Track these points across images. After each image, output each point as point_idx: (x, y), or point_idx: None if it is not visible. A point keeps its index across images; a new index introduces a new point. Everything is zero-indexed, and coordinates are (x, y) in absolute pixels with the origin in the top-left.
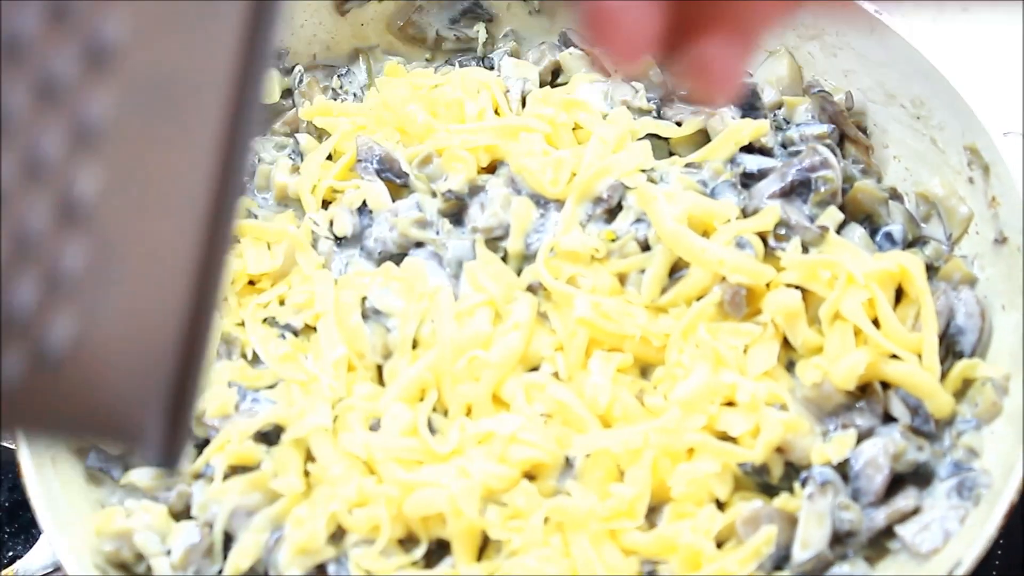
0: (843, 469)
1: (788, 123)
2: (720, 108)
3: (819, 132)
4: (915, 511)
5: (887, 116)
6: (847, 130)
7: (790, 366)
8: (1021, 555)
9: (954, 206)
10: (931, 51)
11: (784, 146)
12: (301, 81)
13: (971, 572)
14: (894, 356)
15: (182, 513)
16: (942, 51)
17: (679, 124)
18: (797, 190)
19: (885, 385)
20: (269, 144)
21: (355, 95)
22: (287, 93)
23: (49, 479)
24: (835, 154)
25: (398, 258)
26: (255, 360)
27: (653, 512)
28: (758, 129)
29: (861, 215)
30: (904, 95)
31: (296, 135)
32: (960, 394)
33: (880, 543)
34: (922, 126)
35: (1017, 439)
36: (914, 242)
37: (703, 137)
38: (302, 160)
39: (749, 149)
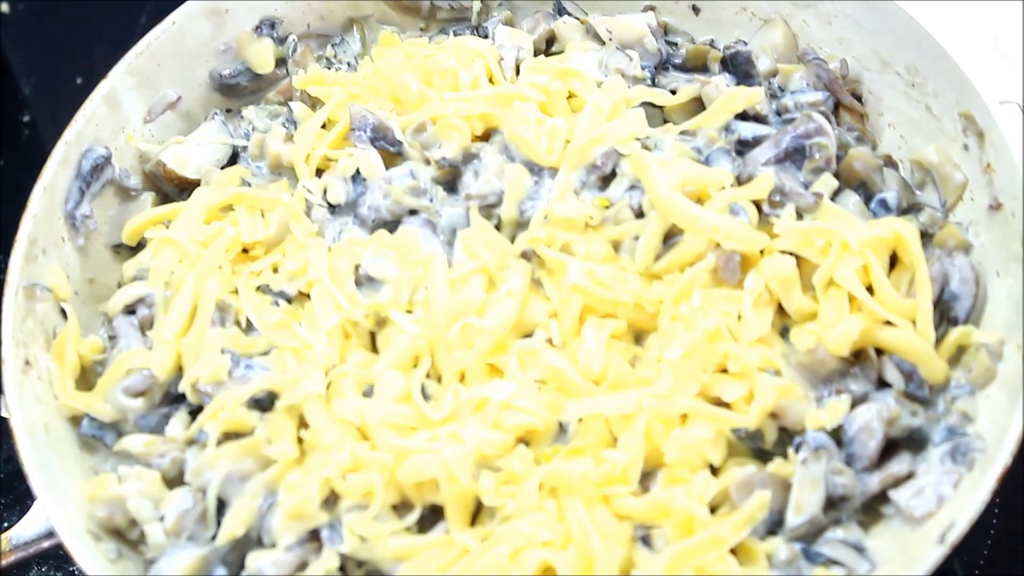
0: (837, 434)
1: (783, 91)
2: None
3: (814, 100)
4: (909, 476)
5: (882, 84)
6: (842, 98)
7: (784, 332)
8: (1018, 523)
9: (949, 173)
10: (927, 19)
11: (779, 114)
12: (295, 50)
13: (966, 537)
14: (888, 322)
15: (175, 480)
16: (938, 20)
17: (674, 92)
18: (792, 157)
19: (879, 351)
20: (263, 113)
21: (349, 64)
22: (281, 62)
23: (42, 446)
24: (830, 121)
25: (392, 226)
26: (249, 328)
27: (647, 477)
28: (752, 96)
29: (855, 182)
30: (899, 63)
31: (290, 103)
32: (954, 360)
33: (874, 508)
34: (917, 93)
35: (1011, 404)
36: (909, 209)
37: (698, 105)
38: (296, 128)
39: (744, 117)
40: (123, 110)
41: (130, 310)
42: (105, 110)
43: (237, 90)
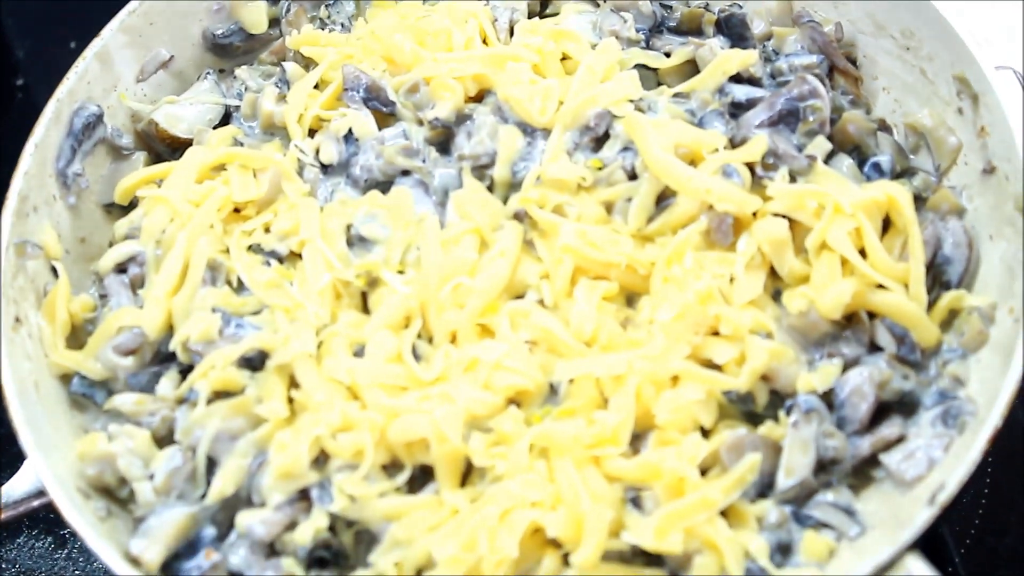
0: (828, 397)
1: (777, 54)
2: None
3: (808, 63)
4: (900, 439)
5: (876, 47)
6: (836, 61)
7: (776, 295)
8: (1007, 494)
9: (943, 137)
10: None
11: (773, 76)
12: (288, 11)
13: (957, 507)
14: (881, 286)
15: (165, 438)
16: None
17: (668, 55)
18: (785, 120)
19: (871, 315)
20: (256, 73)
21: (343, 25)
22: (274, 22)
23: (32, 403)
24: (824, 85)
25: (384, 186)
26: (240, 287)
27: (637, 439)
28: (746, 59)
29: (849, 146)
30: (894, 26)
31: (283, 64)
32: (946, 324)
33: (865, 471)
34: (912, 57)
35: (1003, 366)
36: (902, 173)
37: (692, 68)
38: (289, 88)
39: (738, 79)
40: (115, 68)
41: (121, 269)
42: (97, 67)
43: (230, 50)
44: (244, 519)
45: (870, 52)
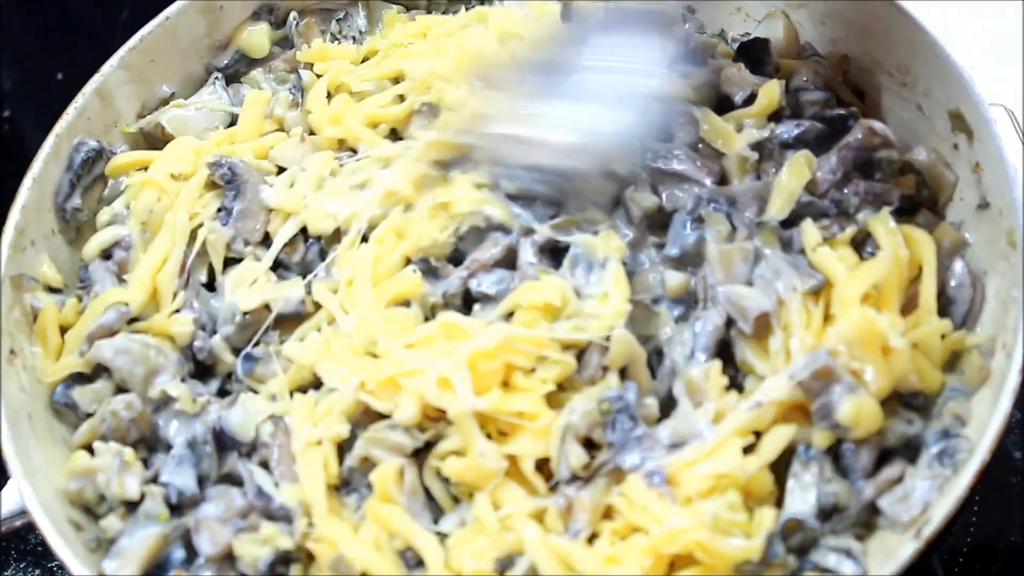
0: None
1: (786, 88)
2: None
3: (816, 98)
4: (900, 479)
5: (874, 84)
6: (842, 95)
7: None
8: (996, 520)
9: (940, 173)
10: (924, 20)
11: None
12: (298, 24)
13: (946, 535)
14: None
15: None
16: (936, 22)
17: None
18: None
19: None
20: (270, 77)
21: (354, 39)
22: (281, 41)
23: (25, 435)
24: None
25: None
26: None
27: None
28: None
29: None
30: (890, 62)
31: (299, 71)
32: (948, 364)
33: (870, 520)
34: (908, 93)
35: (992, 402)
36: (905, 209)
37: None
38: (303, 95)
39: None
40: (116, 104)
41: (106, 256)
42: (97, 103)
43: (235, 77)
44: None
45: (867, 88)
